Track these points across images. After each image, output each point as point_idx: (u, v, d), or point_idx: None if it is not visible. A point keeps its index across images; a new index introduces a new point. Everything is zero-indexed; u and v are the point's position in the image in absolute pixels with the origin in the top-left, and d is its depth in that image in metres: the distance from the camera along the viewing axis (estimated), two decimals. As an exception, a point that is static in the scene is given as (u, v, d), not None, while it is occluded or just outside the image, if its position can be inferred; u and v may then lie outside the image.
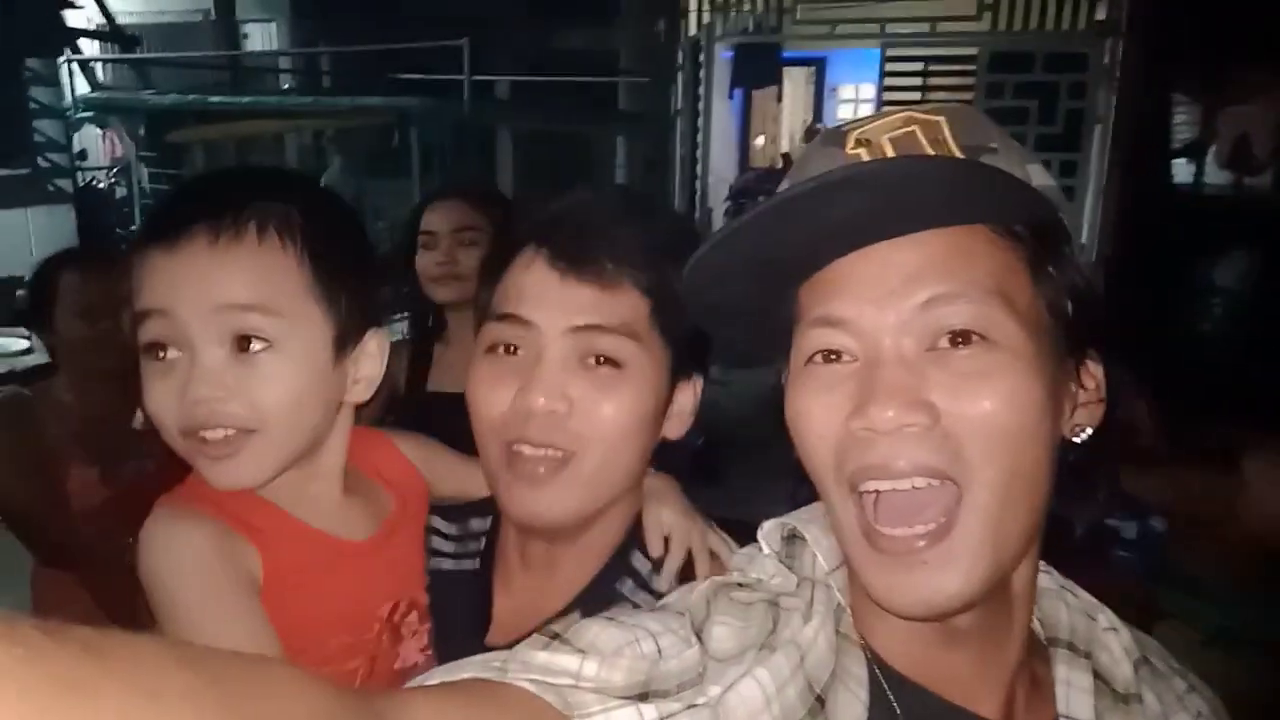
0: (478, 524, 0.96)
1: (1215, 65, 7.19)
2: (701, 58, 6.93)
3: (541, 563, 0.90)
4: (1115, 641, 0.66)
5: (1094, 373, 0.63)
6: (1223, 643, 1.49)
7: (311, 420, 0.84)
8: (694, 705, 0.57)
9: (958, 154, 0.59)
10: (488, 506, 0.93)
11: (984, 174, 0.57)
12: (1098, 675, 0.65)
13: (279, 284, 0.80)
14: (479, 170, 6.28)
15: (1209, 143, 7.61)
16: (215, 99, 4.18)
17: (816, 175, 0.57)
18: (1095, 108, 5.99)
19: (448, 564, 0.94)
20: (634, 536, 0.91)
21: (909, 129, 0.60)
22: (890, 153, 0.59)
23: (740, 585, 0.66)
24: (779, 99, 10.90)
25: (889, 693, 0.62)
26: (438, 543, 0.95)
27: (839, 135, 0.63)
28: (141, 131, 4.83)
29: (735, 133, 10.21)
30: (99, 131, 6.69)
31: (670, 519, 0.92)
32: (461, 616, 0.91)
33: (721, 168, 8.91)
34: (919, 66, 6.39)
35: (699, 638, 0.61)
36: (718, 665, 0.60)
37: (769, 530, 0.68)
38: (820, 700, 0.60)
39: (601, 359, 0.83)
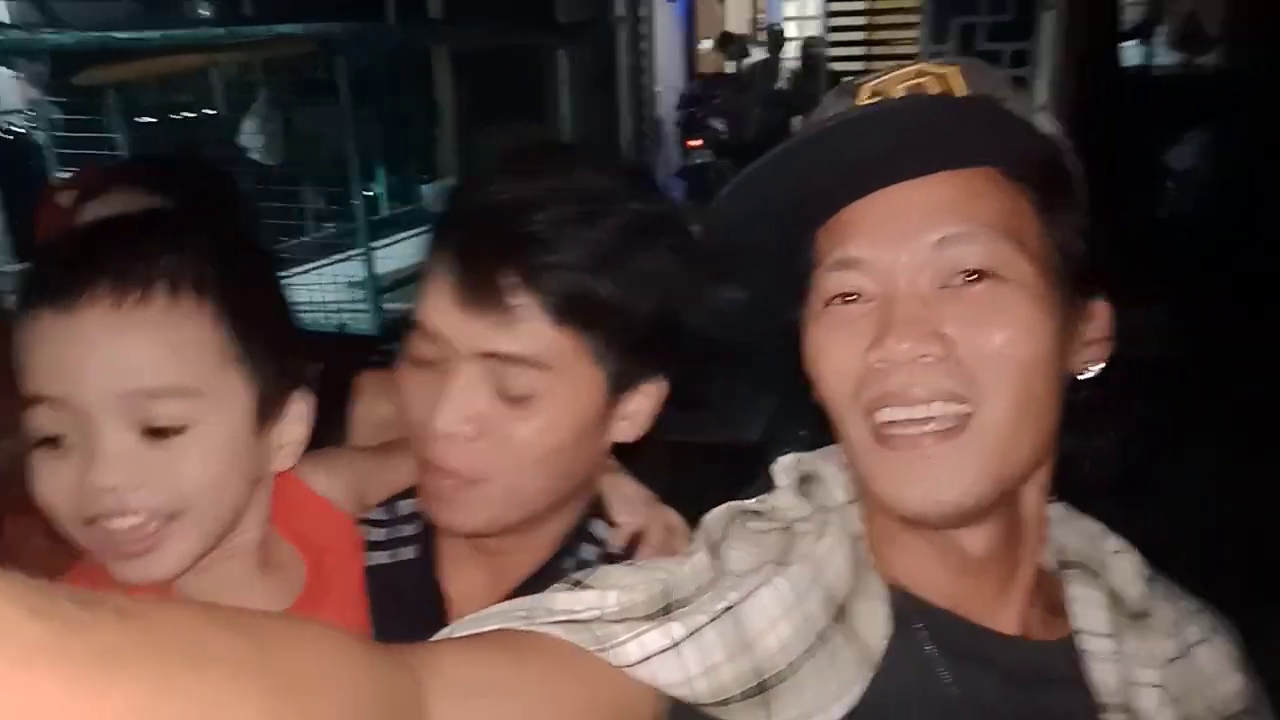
0: (406, 505, 0.91)
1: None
2: (640, -40, 6.65)
3: (494, 547, 0.87)
4: (1125, 562, 0.69)
5: (1100, 313, 0.66)
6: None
7: (234, 501, 0.75)
8: (717, 616, 0.59)
9: None
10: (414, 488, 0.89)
11: (995, 113, 0.59)
12: (1110, 594, 0.67)
13: (196, 355, 0.70)
14: (415, 94, 6.03)
15: (1159, 23, 7.53)
16: (121, 35, 3.91)
17: (833, 116, 0.60)
18: (1046, -8, 5.81)
19: (383, 557, 0.89)
20: (596, 509, 0.90)
21: (920, 79, 0.62)
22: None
23: (756, 514, 0.68)
24: None
25: (906, 611, 0.64)
26: (372, 534, 0.90)
27: (852, 87, 0.64)
28: (48, 73, 4.54)
29: (681, 38, 9.91)
30: (10, 74, 6.32)
31: (631, 490, 0.90)
32: (410, 608, 0.87)
33: (670, 76, 8.67)
34: (866, -42, 6.17)
35: (715, 553, 0.65)
36: (735, 577, 0.62)
37: (785, 465, 0.71)
38: (842, 611, 0.62)
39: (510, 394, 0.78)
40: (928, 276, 0.60)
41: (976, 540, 0.64)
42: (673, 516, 0.90)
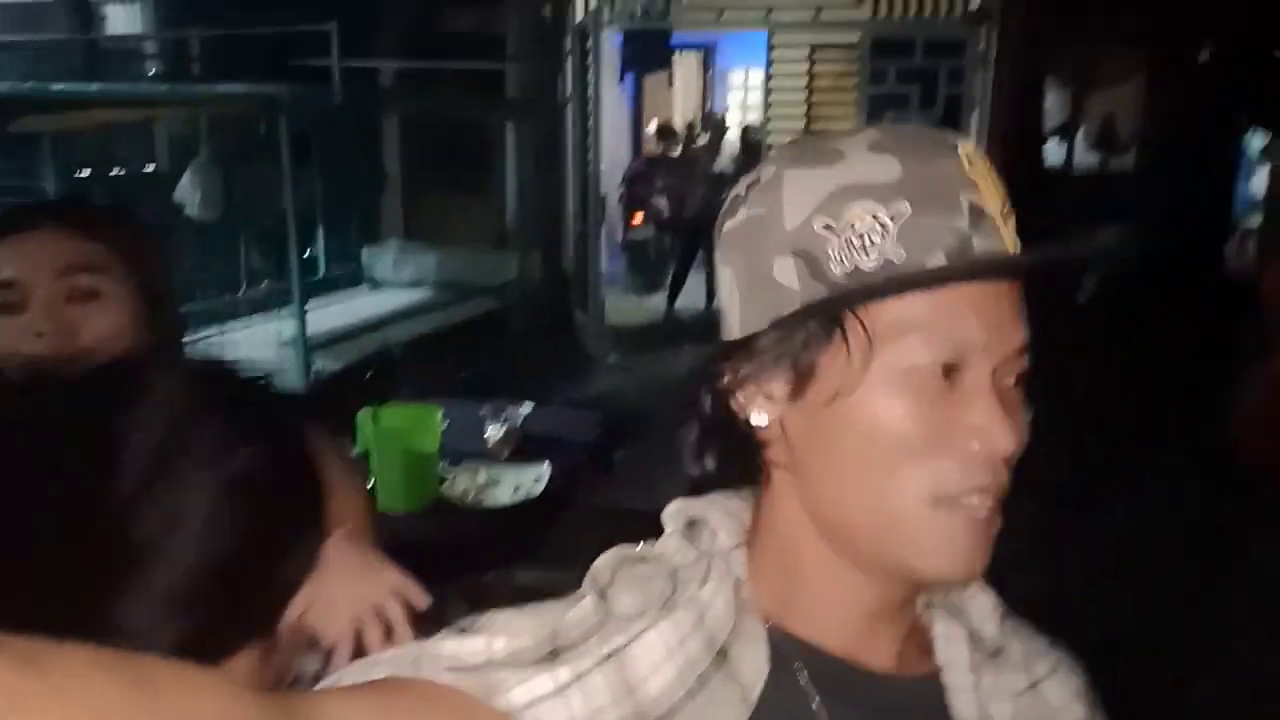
0: None
1: (1083, 50, 7.52)
2: (589, 43, 6.85)
3: None
4: (981, 603, 0.73)
5: None
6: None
7: None
8: (602, 661, 0.59)
9: None
10: None
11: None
12: (970, 632, 0.72)
13: None
14: (362, 158, 6.06)
15: (1078, 124, 7.97)
16: (58, 87, 3.88)
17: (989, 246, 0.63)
18: (973, 92, 6.17)
19: None
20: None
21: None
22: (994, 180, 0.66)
23: (643, 560, 0.69)
24: (670, 84, 10.90)
25: (786, 652, 0.66)
26: None
27: (951, 148, 0.65)
28: (-20, 121, 4.48)
29: (628, 118, 10.16)
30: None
31: (325, 607, 0.82)
32: None
33: (615, 154, 8.85)
34: (805, 52, 6.45)
35: (602, 597, 0.65)
36: (621, 621, 0.62)
37: (673, 511, 0.72)
38: (723, 653, 0.63)
39: None
40: (1005, 373, 0.64)
41: (896, 588, 0.67)
42: (398, 583, 0.86)
